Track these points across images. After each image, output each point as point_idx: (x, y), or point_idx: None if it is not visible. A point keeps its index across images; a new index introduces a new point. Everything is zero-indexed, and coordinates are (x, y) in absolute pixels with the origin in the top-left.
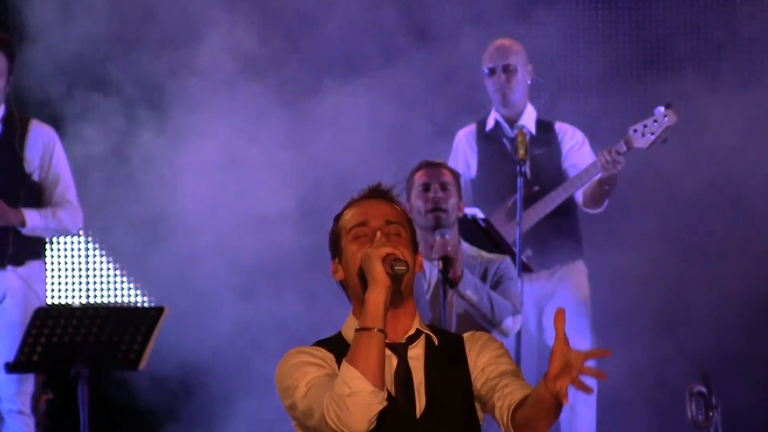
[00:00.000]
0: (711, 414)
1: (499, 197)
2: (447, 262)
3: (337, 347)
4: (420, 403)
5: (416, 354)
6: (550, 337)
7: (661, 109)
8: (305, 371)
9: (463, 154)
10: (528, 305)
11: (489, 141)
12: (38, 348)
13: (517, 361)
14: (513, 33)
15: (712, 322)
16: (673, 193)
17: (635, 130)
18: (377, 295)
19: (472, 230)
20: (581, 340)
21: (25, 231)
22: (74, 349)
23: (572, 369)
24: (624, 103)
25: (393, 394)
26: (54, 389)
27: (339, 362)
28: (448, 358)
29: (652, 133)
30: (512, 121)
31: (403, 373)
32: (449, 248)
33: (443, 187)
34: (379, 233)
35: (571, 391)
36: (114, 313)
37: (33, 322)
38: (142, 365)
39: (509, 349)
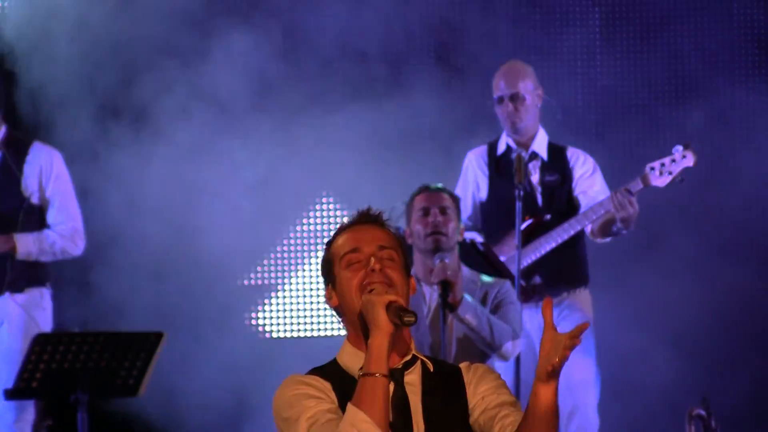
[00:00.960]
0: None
1: (509, 222)
2: (446, 286)
3: (334, 375)
4: (418, 429)
5: (412, 380)
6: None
7: (680, 147)
8: (305, 405)
9: (473, 175)
10: (534, 330)
11: (500, 165)
12: (37, 374)
13: (517, 382)
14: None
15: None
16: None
17: (653, 168)
18: (380, 341)
19: (471, 254)
20: (587, 361)
21: (19, 257)
22: (73, 376)
23: (562, 347)
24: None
25: (390, 419)
26: (54, 416)
27: (335, 390)
28: (446, 385)
29: (670, 173)
30: (524, 146)
31: (401, 398)
32: (449, 272)
33: (443, 211)
34: (373, 259)
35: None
36: (113, 339)
37: (32, 349)
38: (142, 391)
39: (509, 371)
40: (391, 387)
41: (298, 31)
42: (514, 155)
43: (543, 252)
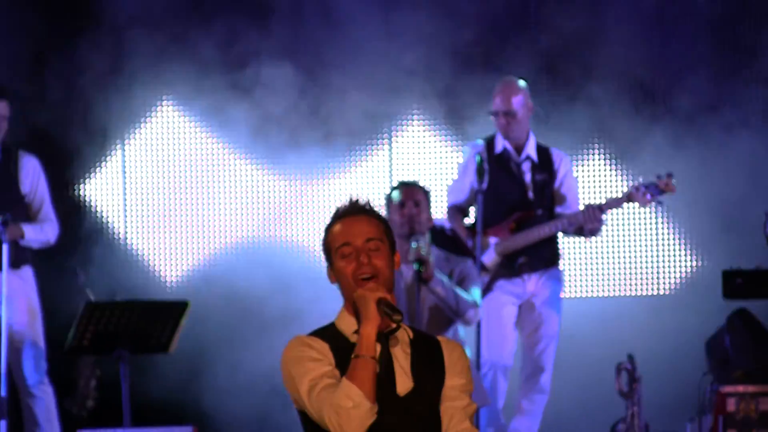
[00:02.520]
0: (635, 386)
1: (501, 211)
2: (420, 264)
3: (331, 337)
4: (407, 383)
5: (397, 345)
6: (526, 326)
7: (663, 175)
8: (307, 367)
9: (472, 169)
10: (514, 296)
11: (499, 163)
12: (87, 335)
13: (477, 346)
14: None
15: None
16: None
17: (637, 189)
18: (370, 330)
19: (441, 238)
20: (556, 320)
21: (22, 242)
22: (116, 336)
23: None
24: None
25: (378, 374)
26: (101, 369)
27: (332, 350)
28: (429, 351)
29: (652, 195)
30: (518, 148)
31: (386, 357)
32: (422, 252)
33: (416, 204)
34: (362, 254)
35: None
36: (148, 307)
37: (83, 315)
38: (172, 348)
39: (471, 335)
40: (379, 348)
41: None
42: (514, 158)
43: (529, 242)
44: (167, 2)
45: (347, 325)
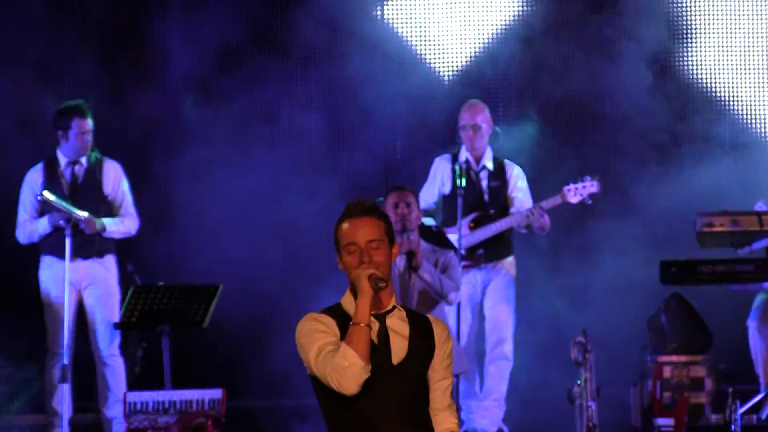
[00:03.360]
0: (587, 356)
1: (464, 212)
2: (411, 254)
3: (337, 314)
4: (400, 354)
5: (392, 322)
6: (488, 306)
7: (589, 177)
8: (315, 337)
9: (441, 176)
10: (478, 284)
11: (460, 172)
12: (135, 313)
13: (458, 319)
14: None
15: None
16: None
17: (569, 189)
18: (364, 302)
19: (427, 233)
20: (508, 307)
21: (105, 234)
22: (159, 314)
23: None
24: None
25: (377, 346)
26: (146, 341)
27: (338, 325)
28: (422, 328)
29: (581, 195)
30: (477, 159)
31: (384, 333)
32: (413, 245)
33: (407, 205)
34: (364, 254)
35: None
36: (185, 289)
37: (132, 296)
38: (205, 324)
39: (453, 312)
40: (377, 326)
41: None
42: (473, 167)
43: (486, 236)
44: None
45: (350, 306)
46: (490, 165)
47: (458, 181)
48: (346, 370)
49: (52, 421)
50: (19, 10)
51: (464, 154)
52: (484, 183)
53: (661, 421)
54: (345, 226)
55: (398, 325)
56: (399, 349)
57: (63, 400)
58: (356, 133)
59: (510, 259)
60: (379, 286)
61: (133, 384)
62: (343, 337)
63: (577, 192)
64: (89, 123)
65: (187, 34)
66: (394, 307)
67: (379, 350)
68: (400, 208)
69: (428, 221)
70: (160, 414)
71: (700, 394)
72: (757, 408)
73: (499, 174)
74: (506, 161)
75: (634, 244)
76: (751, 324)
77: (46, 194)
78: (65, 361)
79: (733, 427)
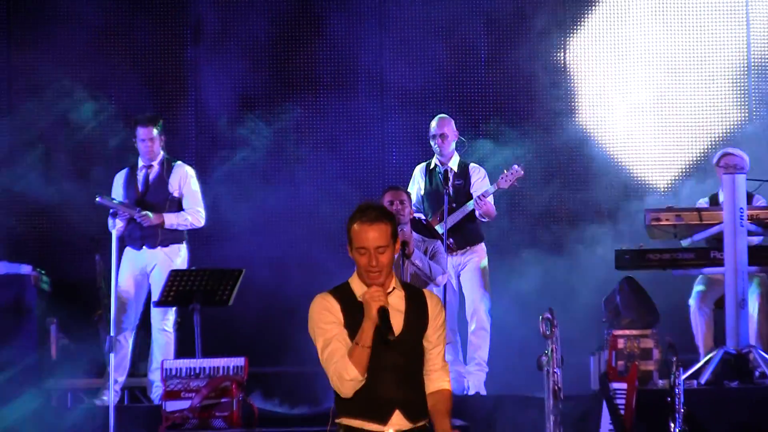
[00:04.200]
0: (553, 330)
1: (436, 206)
2: (404, 244)
3: (344, 295)
4: (398, 328)
5: (392, 300)
6: (465, 287)
7: (516, 165)
8: (323, 328)
9: (418, 180)
10: (450, 269)
11: (432, 175)
12: (172, 293)
13: (444, 298)
14: None
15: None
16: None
17: (503, 177)
18: (369, 326)
19: (418, 226)
20: (481, 285)
21: (167, 227)
22: (191, 294)
23: None
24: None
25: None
26: (181, 316)
27: (343, 309)
28: (416, 303)
29: (509, 180)
30: (444, 164)
31: (385, 311)
32: (406, 236)
33: (401, 202)
34: (372, 259)
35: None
36: (213, 273)
37: (169, 278)
38: (230, 302)
39: (441, 292)
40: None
41: None
42: (441, 170)
43: (450, 226)
44: None
45: (357, 287)
46: (455, 167)
47: (445, 184)
48: (346, 382)
49: (105, 384)
50: (74, 41)
51: (434, 161)
52: (450, 182)
53: (615, 385)
54: (357, 228)
55: (397, 303)
56: (397, 324)
57: (110, 366)
58: (357, 146)
59: (480, 246)
60: (388, 337)
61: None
62: (346, 319)
63: (508, 178)
64: (148, 131)
65: (218, 62)
66: (394, 288)
67: (380, 329)
68: (395, 205)
69: (418, 215)
70: (191, 378)
71: (649, 363)
72: (696, 374)
73: (462, 174)
74: (471, 164)
75: (594, 237)
76: (692, 303)
77: (99, 199)
78: (112, 334)
79: (676, 390)
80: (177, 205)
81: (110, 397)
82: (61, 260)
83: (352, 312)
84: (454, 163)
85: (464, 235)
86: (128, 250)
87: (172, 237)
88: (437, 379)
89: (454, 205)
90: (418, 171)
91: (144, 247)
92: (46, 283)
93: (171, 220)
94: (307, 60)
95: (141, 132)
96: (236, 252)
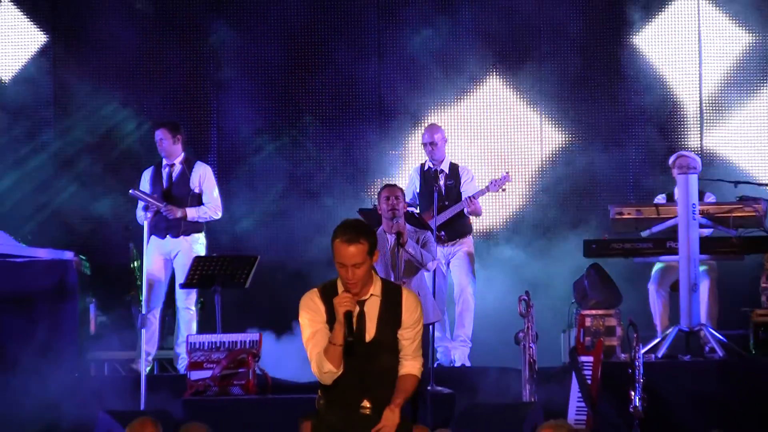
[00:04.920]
0: (529, 309)
1: (429, 203)
2: (399, 234)
3: (330, 294)
4: (371, 332)
5: (368, 306)
6: (453, 274)
7: (505, 173)
8: (309, 323)
9: (414, 180)
10: (441, 257)
11: (426, 175)
12: (197, 276)
13: (434, 281)
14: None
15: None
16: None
17: (493, 183)
18: (338, 328)
19: (411, 219)
20: (467, 269)
21: (187, 219)
22: (213, 277)
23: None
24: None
25: (355, 329)
26: (203, 297)
27: (326, 309)
28: (391, 303)
29: (499, 186)
30: (436, 166)
31: (362, 316)
32: (400, 227)
33: (396, 198)
34: (350, 273)
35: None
36: (233, 259)
37: (194, 263)
38: (247, 285)
39: (431, 276)
40: (358, 309)
41: None
42: (432, 171)
43: (443, 220)
44: None
45: (341, 287)
46: (446, 169)
47: (436, 183)
48: (324, 374)
49: (137, 355)
50: (112, 62)
51: (427, 164)
52: (442, 182)
53: (583, 359)
54: (337, 244)
55: (371, 309)
56: (370, 327)
57: (142, 340)
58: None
59: (468, 238)
60: (347, 338)
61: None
62: (329, 316)
63: (498, 184)
64: (159, 132)
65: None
66: (372, 295)
67: (356, 332)
68: (391, 200)
69: (411, 209)
70: (213, 351)
71: (613, 339)
72: (654, 349)
73: (453, 175)
74: (460, 165)
75: (564, 229)
76: (651, 287)
77: (132, 192)
78: (143, 312)
79: (636, 363)
80: (197, 200)
81: (142, 367)
82: (99, 247)
83: (335, 311)
84: (445, 165)
85: (455, 229)
86: (153, 239)
87: (192, 227)
88: (407, 366)
89: (446, 202)
90: (415, 173)
91: (168, 236)
92: (86, 267)
93: (192, 213)
94: (315, 84)
95: (156, 134)
96: (254, 242)
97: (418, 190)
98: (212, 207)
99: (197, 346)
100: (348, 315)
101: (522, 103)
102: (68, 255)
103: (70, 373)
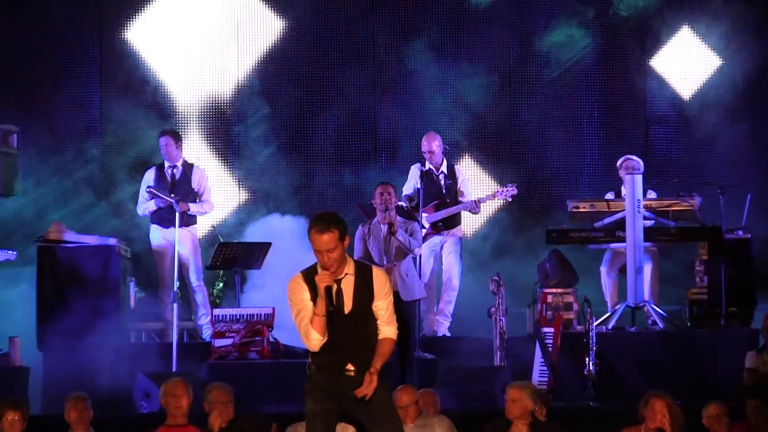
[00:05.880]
0: (500, 288)
1: (428, 199)
2: (390, 224)
3: (311, 276)
4: (349, 305)
5: (344, 283)
6: (443, 257)
7: (510, 185)
8: (296, 303)
9: (414, 177)
10: (435, 244)
11: (425, 175)
12: (220, 259)
13: (420, 265)
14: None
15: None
16: None
17: (499, 191)
18: (320, 301)
19: (401, 211)
20: (455, 257)
21: (189, 213)
22: (234, 259)
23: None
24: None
25: (335, 303)
26: (226, 277)
27: (309, 287)
28: (363, 281)
29: (505, 195)
30: (437, 167)
31: (339, 292)
32: (392, 218)
33: (389, 193)
34: (325, 257)
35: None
36: (250, 245)
37: (217, 248)
38: (262, 267)
39: (418, 259)
40: (336, 287)
41: None
42: (433, 172)
43: (445, 216)
44: None
45: (320, 269)
46: (445, 170)
47: (431, 183)
48: (311, 341)
49: (167, 327)
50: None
51: (427, 165)
52: (442, 182)
53: (545, 330)
54: (313, 234)
55: (347, 286)
56: (348, 301)
57: (173, 313)
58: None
59: (458, 228)
60: (328, 307)
61: (217, 303)
62: (312, 294)
63: (504, 193)
64: (164, 139)
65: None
66: (346, 274)
67: (336, 305)
68: (384, 196)
69: (400, 203)
70: (233, 322)
71: (570, 313)
72: (605, 322)
73: (451, 176)
74: (456, 166)
75: (529, 222)
76: (603, 269)
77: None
78: (175, 289)
79: (590, 333)
80: (195, 197)
81: (173, 335)
82: (138, 236)
83: (317, 288)
84: (444, 167)
85: (448, 221)
86: (155, 228)
87: (192, 220)
88: (384, 331)
89: (448, 200)
90: (416, 171)
91: (171, 226)
92: (126, 251)
93: (193, 208)
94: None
95: (161, 140)
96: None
97: (419, 186)
98: (208, 204)
99: (220, 318)
100: (328, 289)
101: None
102: (112, 241)
103: (114, 340)
